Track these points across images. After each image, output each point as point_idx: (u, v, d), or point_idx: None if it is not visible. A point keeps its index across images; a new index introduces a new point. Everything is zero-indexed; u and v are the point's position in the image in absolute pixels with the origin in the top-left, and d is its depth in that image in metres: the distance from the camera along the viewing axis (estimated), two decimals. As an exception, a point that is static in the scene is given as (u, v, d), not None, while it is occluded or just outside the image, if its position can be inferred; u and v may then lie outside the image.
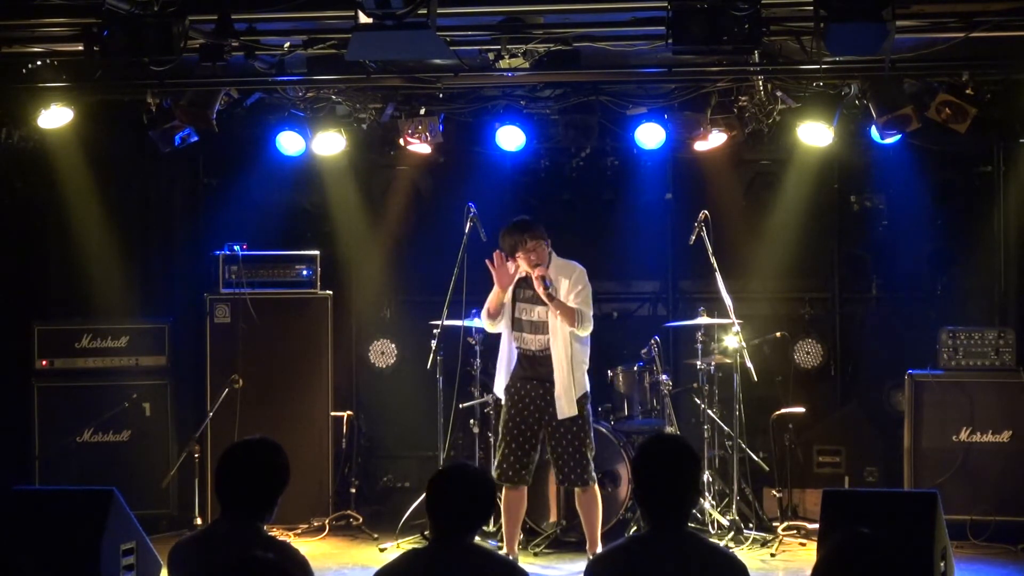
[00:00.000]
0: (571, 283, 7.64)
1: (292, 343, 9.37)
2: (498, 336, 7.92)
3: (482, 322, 7.92)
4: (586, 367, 7.77)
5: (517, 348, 7.76)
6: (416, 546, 5.35)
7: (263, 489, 4.51)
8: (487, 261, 7.73)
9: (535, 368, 7.70)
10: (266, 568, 3.53)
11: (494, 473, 7.70)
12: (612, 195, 10.34)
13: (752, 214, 10.14)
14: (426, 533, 4.26)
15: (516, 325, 7.76)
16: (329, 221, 10.39)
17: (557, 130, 9.04)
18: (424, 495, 4.37)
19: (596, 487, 7.74)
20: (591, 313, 7.67)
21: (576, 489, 7.73)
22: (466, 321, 8.45)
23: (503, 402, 7.81)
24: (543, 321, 7.68)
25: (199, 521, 8.78)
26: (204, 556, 4.45)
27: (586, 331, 7.64)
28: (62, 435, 9.05)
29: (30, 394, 9.13)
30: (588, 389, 7.77)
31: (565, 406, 7.62)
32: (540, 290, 7.56)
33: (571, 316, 7.56)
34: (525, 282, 7.74)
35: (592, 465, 7.70)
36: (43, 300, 9.77)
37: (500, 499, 7.80)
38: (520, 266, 7.68)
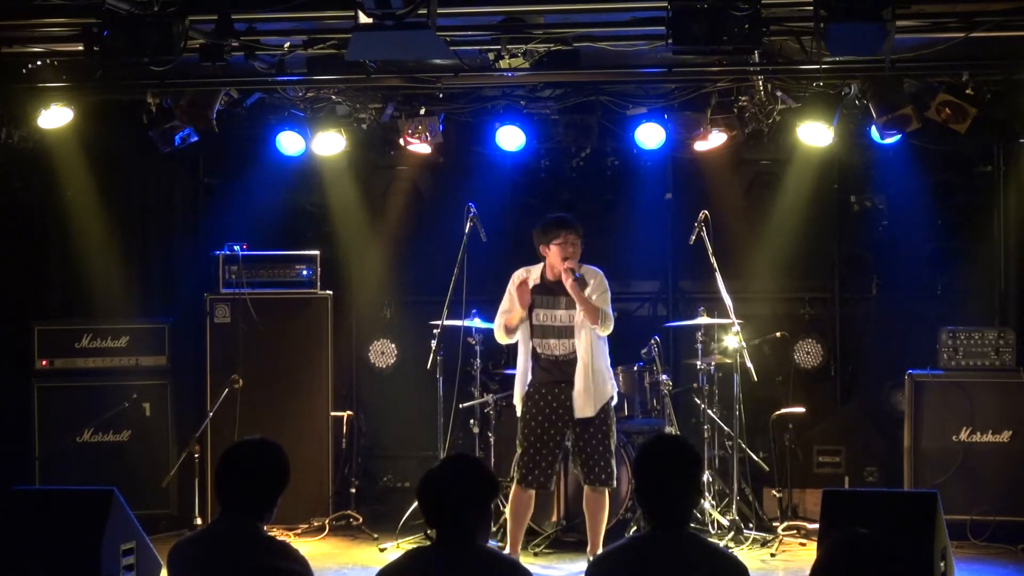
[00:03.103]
0: (595, 284, 7.66)
1: (292, 343, 9.36)
2: (497, 339, 7.92)
3: (497, 334, 7.86)
4: (609, 369, 7.80)
5: (541, 354, 7.74)
6: (420, 545, 5.33)
7: (263, 490, 4.51)
8: (514, 290, 7.70)
9: (562, 371, 7.69)
10: None
11: (515, 475, 7.69)
12: (612, 195, 10.34)
13: (752, 214, 10.14)
14: (429, 532, 4.24)
15: (537, 332, 7.74)
16: (329, 221, 10.39)
17: (557, 130, 9.04)
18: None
19: (607, 491, 7.74)
20: (612, 314, 7.69)
21: (588, 489, 7.70)
22: (466, 321, 8.45)
23: (521, 408, 7.75)
24: (568, 325, 7.68)
25: (199, 521, 8.78)
26: (204, 556, 4.46)
27: (607, 330, 7.65)
28: (62, 435, 9.05)
29: (30, 394, 9.13)
30: (616, 391, 7.83)
31: (582, 405, 7.63)
32: (568, 281, 7.55)
33: (595, 313, 7.57)
34: (543, 288, 7.74)
35: (615, 463, 7.70)
36: (43, 300, 9.78)
37: (507, 500, 7.82)
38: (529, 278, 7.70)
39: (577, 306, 7.62)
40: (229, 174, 10.23)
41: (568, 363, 7.69)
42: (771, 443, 9.31)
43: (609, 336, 7.80)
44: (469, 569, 4.18)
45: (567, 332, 7.69)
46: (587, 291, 7.61)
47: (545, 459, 7.65)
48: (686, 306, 10.12)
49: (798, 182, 9.87)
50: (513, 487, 7.71)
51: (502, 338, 7.85)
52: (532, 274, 7.80)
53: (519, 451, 7.72)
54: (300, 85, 8.30)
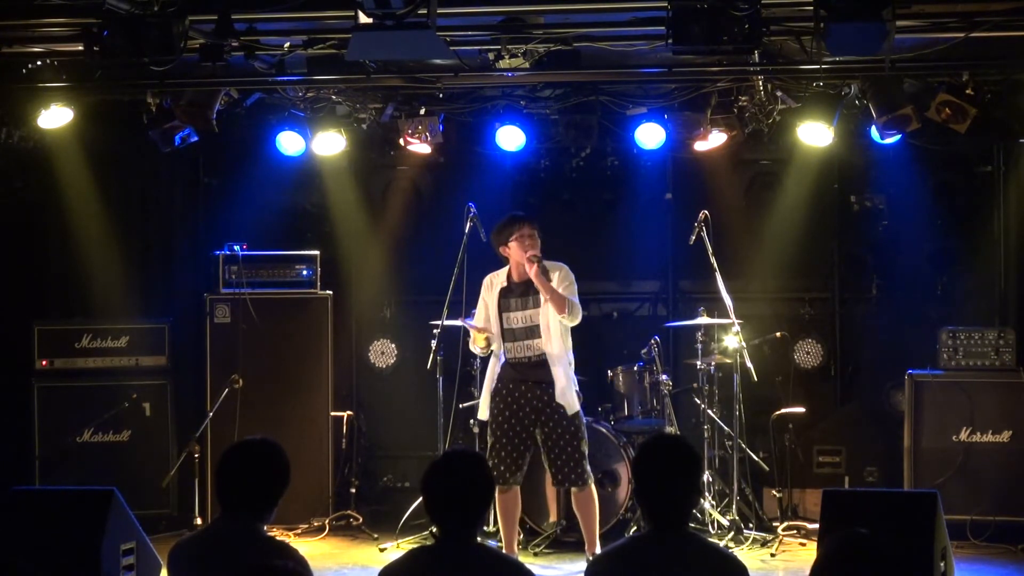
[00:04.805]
0: (560, 276, 7.66)
1: (292, 343, 9.36)
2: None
3: (473, 348, 7.97)
4: (572, 365, 7.78)
5: (507, 358, 7.75)
6: (423, 544, 5.32)
7: (263, 490, 4.50)
8: (466, 324, 7.83)
9: (531, 371, 7.70)
10: None
11: None
12: (612, 195, 10.34)
13: (752, 214, 10.14)
14: (433, 531, 4.23)
15: (508, 336, 7.77)
16: (329, 221, 10.39)
17: (557, 130, 9.04)
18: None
19: (592, 486, 7.73)
20: (579, 304, 7.68)
21: (573, 489, 7.72)
22: (466, 321, 8.45)
23: (490, 404, 7.76)
24: (535, 325, 7.69)
25: (199, 521, 8.78)
26: (204, 556, 4.46)
27: (574, 320, 7.62)
28: (62, 435, 9.05)
29: (30, 394, 9.12)
30: (577, 387, 7.79)
31: (566, 404, 7.62)
32: (532, 269, 7.56)
33: (562, 302, 7.56)
34: (509, 290, 7.77)
35: (588, 464, 7.69)
36: (43, 300, 9.78)
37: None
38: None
39: (542, 302, 7.62)
40: (229, 174, 10.22)
41: (538, 363, 7.68)
42: (771, 443, 9.31)
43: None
44: (472, 569, 4.18)
45: (535, 332, 7.69)
46: (553, 283, 7.61)
47: (511, 455, 7.65)
48: (686, 306, 10.11)
49: (798, 182, 9.87)
50: (496, 493, 7.70)
51: (482, 351, 7.94)
52: (499, 277, 7.84)
53: (492, 447, 7.71)
54: (300, 85, 8.30)
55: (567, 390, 7.63)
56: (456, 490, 4.20)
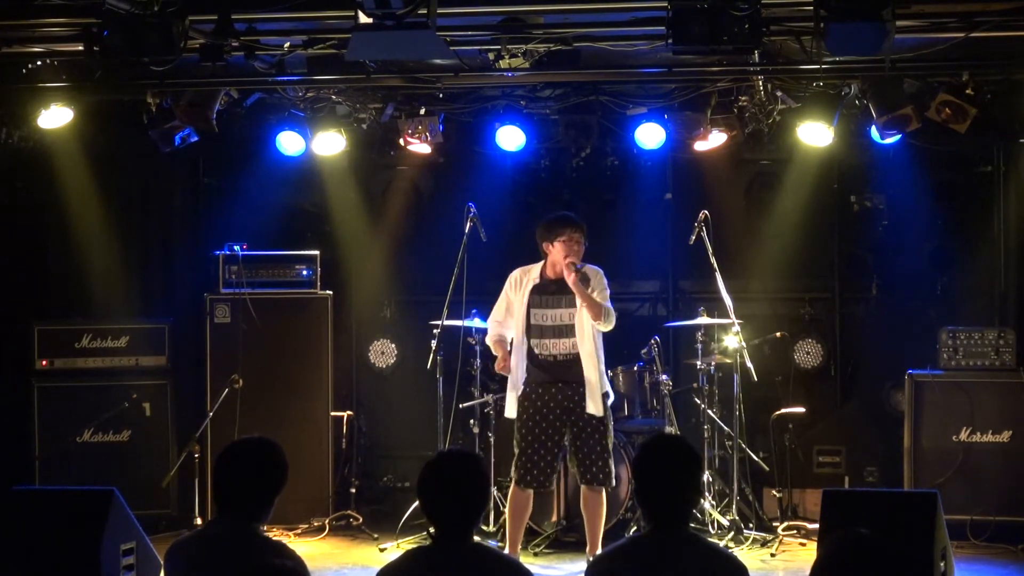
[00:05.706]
0: (595, 282, 7.64)
1: (292, 343, 9.36)
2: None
3: (489, 341, 7.96)
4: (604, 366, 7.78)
5: (538, 355, 7.72)
6: (420, 544, 5.32)
7: (260, 489, 4.50)
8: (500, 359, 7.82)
9: (562, 371, 7.67)
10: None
11: (514, 476, 7.69)
12: (612, 195, 10.35)
13: (752, 214, 10.14)
14: (430, 531, 4.22)
15: (535, 332, 7.73)
16: (329, 221, 10.39)
17: (557, 130, 9.04)
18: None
19: (605, 490, 7.73)
20: (613, 310, 7.67)
21: (586, 489, 7.69)
22: (466, 321, 8.45)
23: (518, 409, 7.71)
24: (569, 324, 7.66)
25: (199, 521, 8.77)
26: (201, 556, 4.45)
27: (609, 325, 7.62)
28: (62, 435, 9.05)
29: (30, 394, 9.12)
30: (609, 388, 7.78)
31: (592, 404, 7.60)
32: (571, 277, 7.54)
33: (598, 309, 7.55)
34: (542, 287, 7.74)
35: (613, 465, 7.68)
36: (43, 300, 9.78)
37: (507, 500, 7.83)
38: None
39: (578, 304, 7.61)
40: (229, 174, 10.23)
41: (568, 363, 7.66)
42: (771, 443, 9.31)
43: (609, 336, 7.79)
44: (469, 569, 4.17)
45: (568, 331, 7.66)
46: (588, 288, 7.60)
47: (544, 459, 7.65)
48: (686, 306, 10.12)
49: (798, 182, 9.88)
50: (512, 488, 7.72)
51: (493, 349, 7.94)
52: (531, 273, 7.80)
53: (517, 452, 7.71)
54: (300, 85, 8.30)
55: (596, 390, 7.59)
56: (451, 490, 4.19)
